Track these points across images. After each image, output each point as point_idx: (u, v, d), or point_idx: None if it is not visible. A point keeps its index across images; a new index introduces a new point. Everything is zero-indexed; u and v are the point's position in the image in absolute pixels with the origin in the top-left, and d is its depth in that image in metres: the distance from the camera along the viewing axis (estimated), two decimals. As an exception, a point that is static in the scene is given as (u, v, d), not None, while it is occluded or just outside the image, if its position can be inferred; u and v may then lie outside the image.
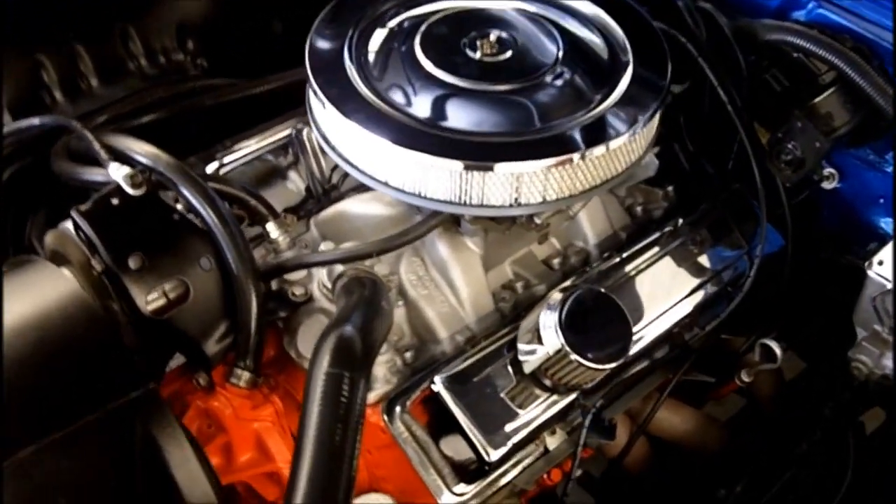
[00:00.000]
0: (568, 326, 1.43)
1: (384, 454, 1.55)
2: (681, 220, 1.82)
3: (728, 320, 1.80)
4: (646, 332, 1.72)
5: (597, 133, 1.51)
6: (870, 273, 1.56)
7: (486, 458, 1.47)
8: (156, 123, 1.96)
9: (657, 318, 1.74)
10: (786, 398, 1.90)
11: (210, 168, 1.74)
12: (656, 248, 1.80)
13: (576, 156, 1.47)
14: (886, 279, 1.55)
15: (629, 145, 1.54)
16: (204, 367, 1.56)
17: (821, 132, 1.67)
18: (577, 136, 1.50)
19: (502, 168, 1.44)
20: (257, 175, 1.83)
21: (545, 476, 1.69)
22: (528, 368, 1.48)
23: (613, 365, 1.45)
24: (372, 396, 1.54)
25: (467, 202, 1.48)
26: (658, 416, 1.76)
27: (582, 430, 1.61)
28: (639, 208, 1.88)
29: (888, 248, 1.59)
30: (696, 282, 1.81)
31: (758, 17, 1.80)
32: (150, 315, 1.43)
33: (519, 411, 1.54)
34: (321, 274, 1.59)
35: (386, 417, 1.52)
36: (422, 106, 1.53)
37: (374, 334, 1.42)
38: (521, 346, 1.49)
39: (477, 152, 1.45)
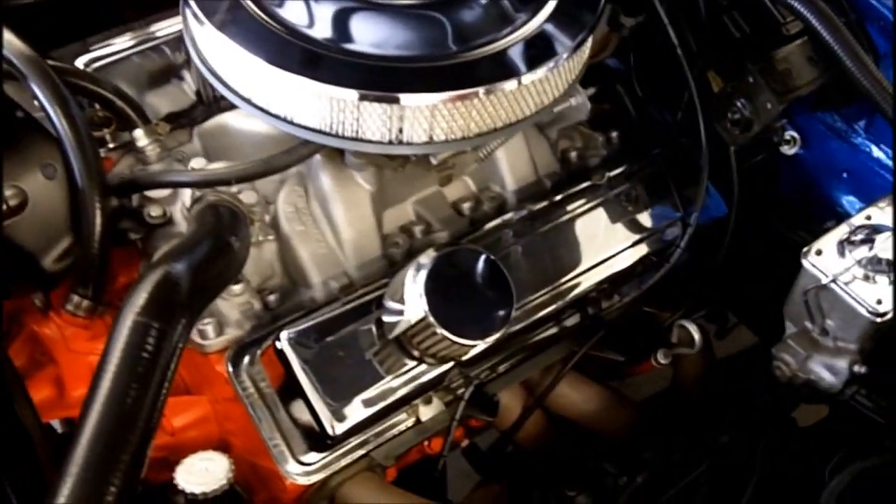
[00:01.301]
0: (434, 292, 1.22)
1: (232, 407, 1.37)
2: (614, 172, 1.59)
3: (655, 292, 1.59)
4: (553, 297, 1.51)
5: (501, 65, 1.29)
6: (805, 263, 1.34)
7: (328, 430, 1.28)
8: (49, 4, 1.73)
9: (569, 281, 1.53)
10: (712, 381, 1.69)
11: (83, 61, 1.53)
12: (581, 201, 1.58)
13: (469, 92, 1.25)
14: (823, 272, 1.33)
15: (542, 84, 1.31)
16: (42, 287, 1.37)
17: (775, 91, 1.43)
18: (477, 67, 1.27)
19: (377, 99, 1.22)
20: (151, 71, 1.61)
21: (426, 444, 1.51)
22: (391, 333, 1.28)
23: (485, 341, 1.24)
24: (220, 342, 1.36)
25: (340, 133, 1.27)
26: (558, 392, 1.56)
27: (459, 404, 1.41)
28: (573, 154, 1.65)
29: (830, 236, 1.36)
30: (622, 244, 1.60)
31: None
32: (-21, 225, 1.24)
33: (385, 377, 1.35)
34: (185, 195, 1.38)
35: (231, 368, 1.32)
36: (300, 15, 1.30)
37: (212, 275, 1.23)
38: (387, 306, 1.28)
39: (351, 77, 1.23)
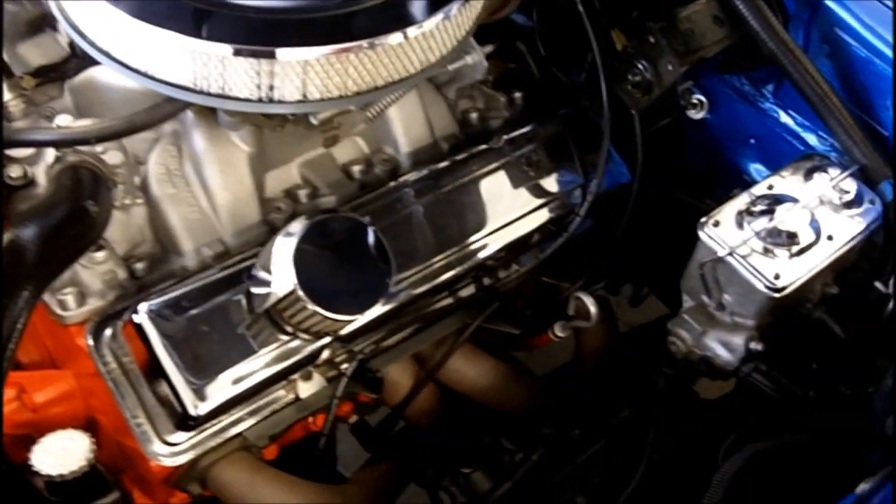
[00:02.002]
0: (305, 263, 1.13)
1: (96, 382, 1.28)
2: (514, 134, 1.51)
3: (554, 262, 1.52)
4: (446, 266, 1.43)
5: (381, 18, 1.19)
6: (701, 234, 1.27)
7: (189, 411, 1.19)
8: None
9: (464, 249, 1.45)
10: (615, 354, 1.63)
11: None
12: (479, 164, 1.50)
13: (345, 47, 1.15)
14: (720, 244, 1.26)
15: (427, 39, 1.22)
16: None
17: (677, 52, 1.35)
18: (353, 20, 1.18)
19: (242, 53, 1.12)
20: (24, 21, 1.50)
21: (310, 420, 1.43)
22: (260, 307, 1.19)
23: (360, 316, 1.16)
24: (81, 313, 1.27)
25: (205, 90, 1.16)
26: (451, 367, 1.49)
27: (341, 381, 1.33)
28: (474, 115, 1.57)
29: (728, 207, 1.29)
30: (521, 210, 1.52)
31: None
32: None
33: (258, 351, 1.26)
34: (48, 155, 1.28)
35: (91, 342, 1.23)
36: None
37: (64, 242, 1.15)
38: (257, 277, 1.19)
39: (214, 29, 1.13)
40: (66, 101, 1.38)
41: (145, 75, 1.18)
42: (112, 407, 1.27)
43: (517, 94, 1.60)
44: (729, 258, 1.26)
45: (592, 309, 1.42)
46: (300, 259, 1.14)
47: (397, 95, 1.37)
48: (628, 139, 1.51)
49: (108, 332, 1.24)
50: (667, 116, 1.55)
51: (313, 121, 1.31)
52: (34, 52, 1.43)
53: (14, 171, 1.30)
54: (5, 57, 1.40)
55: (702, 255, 1.28)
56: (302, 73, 1.15)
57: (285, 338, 1.26)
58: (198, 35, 1.13)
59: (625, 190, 1.55)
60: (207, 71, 1.15)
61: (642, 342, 1.69)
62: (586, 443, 1.52)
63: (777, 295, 1.25)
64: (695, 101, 1.52)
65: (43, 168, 1.29)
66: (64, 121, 1.29)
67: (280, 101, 1.18)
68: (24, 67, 1.41)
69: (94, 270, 1.27)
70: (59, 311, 1.26)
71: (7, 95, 1.33)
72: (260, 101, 1.18)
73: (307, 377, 1.34)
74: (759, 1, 1.31)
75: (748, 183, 1.53)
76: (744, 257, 1.25)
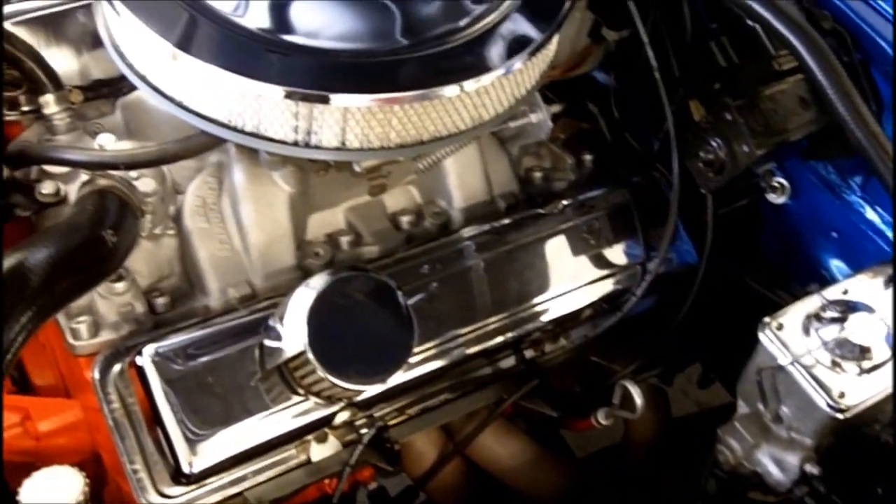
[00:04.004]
0: (319, 323, 1.05)
1: (101, 418, 1.20)
2: (575, 199, 1.41)
3: (605, 341, 1.41)
4: (485, 335, 1.34)
5: (431, 70, 1.11)
6: (762, 337, 1.15)
7: (182, 466, 1.11)
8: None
9: (509, 317, 1.35)
10: (664, 448, 1.51)
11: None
12: (536, 228, 1.40)
13: (388, 97, 1.07)
14: (781, 351, 1.14)
15: (480, 96, 1.14)
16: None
17: (755, 133, 1.23)
18: (400, 69, 1.10)
19: (278, 93, 1.05)
20: (92, 32, 1.45)
21: (325, 482, 1.34)
22: (270, 362, 1.11)
23: (372, 387, 1.07)
24: (93, 344, 1.21)
25: (239, 127, 1.09)
26: (481, 443, 1.39)
27: (356, 449, 1.24)
28: (538, 174, 1.48)
29: (795, 308, 1.17)
30: (575, 282, 1.41)
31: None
32: None
33: (271, 407, 1.18)
34: (83, 175, 1.22)
35: (97, 376, 1.16)
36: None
37: (74, 269, 1.07)
38: (273, 328, 1.11)
39: (251, 65, 1.06)
40: (117, 118, 1.34)
41: (180, 105, 1.12)
42: (113, 446, 1.20)
43: (587, 157, 1.50)
44: (790, 367, 1.13)
45: (638, 401, 1.31)
46: (316, 317, 1.06)
47: (453, 148, 1.29)
48: (699, 216, 1.39)
49: (116, 368, 1.18)
50: (744, 197, 1.43)
51: (357, 168, 1.23)
52: (94, 66, 1.38)
53: (46, 188, 1.26)
54: (67, 67, 1.35)
55: (761, 359, 1.16)
56: (342, 120, 1.08)
57: (298, 398, 1.17)
58: (237, 71, 1.06)
59: (690, 271, 1.43)
60: (243, 108, 1.09)
61: (697, 434, 1.57)
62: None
63: (840, 416, 1.12)
64: (776, 184, 1.41)
65: (75, 188, 1.23)
66: (105, 141, 1.23)
67: (317, 147, 1.11)
68: (83, 80, 1.36)
69: (112, 301, 1.21)
70: (70, 339, 1.21)
71: (53, 108, 1.29)
72: (296, 144, 1.11)
73: (322, 439, 1.26)
74: (850, 85, 1.18)
75: (826, 279, 1.41)
76: (807, 368, 1.13)
